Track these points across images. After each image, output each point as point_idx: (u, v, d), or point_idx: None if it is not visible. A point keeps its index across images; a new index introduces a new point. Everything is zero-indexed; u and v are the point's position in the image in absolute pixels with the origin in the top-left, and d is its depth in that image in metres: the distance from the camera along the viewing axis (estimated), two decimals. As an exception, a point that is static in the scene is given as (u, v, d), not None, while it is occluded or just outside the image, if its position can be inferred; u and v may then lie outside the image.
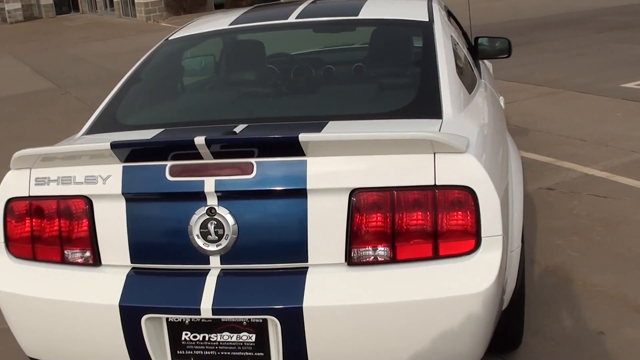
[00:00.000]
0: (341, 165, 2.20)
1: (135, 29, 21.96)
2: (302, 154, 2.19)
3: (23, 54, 17.41)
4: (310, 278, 2.21)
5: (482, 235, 2.20)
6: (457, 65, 2.99)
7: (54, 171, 2.42)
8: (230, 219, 2.25)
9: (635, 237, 4.16)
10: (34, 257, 2.47)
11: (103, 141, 2.32)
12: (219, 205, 2.26)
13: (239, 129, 2.54)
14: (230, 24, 3.50)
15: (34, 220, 2.44)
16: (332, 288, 2.19)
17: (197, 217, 2.27)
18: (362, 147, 2.18)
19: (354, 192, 2.20)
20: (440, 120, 2.54)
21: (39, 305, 2.42)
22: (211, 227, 2.26)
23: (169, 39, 3.58)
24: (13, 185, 2.46)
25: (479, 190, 2.19)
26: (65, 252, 2.43)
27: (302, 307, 2.16)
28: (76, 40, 19.82)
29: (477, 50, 4.43)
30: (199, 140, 2.17)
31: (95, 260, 2.40)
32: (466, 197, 2.18)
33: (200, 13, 24.92)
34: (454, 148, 2.17)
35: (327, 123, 2.54)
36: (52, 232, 2.43)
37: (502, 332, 2.80)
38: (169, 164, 2.28)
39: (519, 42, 11.81)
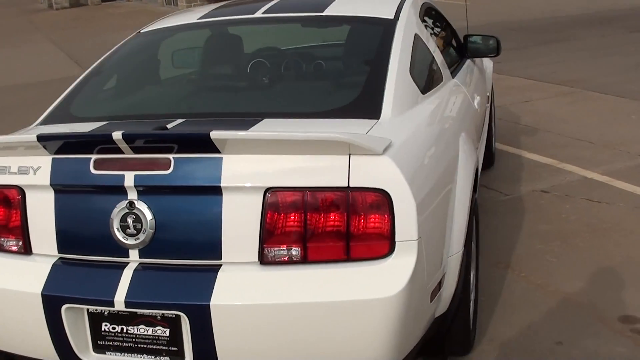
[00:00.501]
0: (256, 163, 2.19)
1: (176, 17, 22.13)
2: (217, 151, 2.18)
3: (63, 41, 17.73)
4: (222, 276, 2.20)
5: (397, 239, 2.17)
6: (415, 64, 2.94)
7: None
8: (148, 214, 2.26)
9: (621, 245, 4.05)
10: None
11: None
12: (138, 199, 2.27)
13: (174, 124, 2.54)
14: (199, 18, 3.51)
15: None
16: (242, 287, 2.18)
17: (118, 211, 2.29)
18: (277, 147, 2.16)
19: (268, 191, 2.18)
20: (376, 121, 2.50)
21: None
22: (130, 221, 2.27)
23: (141, 31, 3.61)
24: None
25: (394, 193, 2.15)
26: (1, 239, 2.47)
27: (209, 305, 2.16)
28: (117, 28, 20.07)
29: (467, 48, 4.35)
30: (117, 135, 2.19)
31: (27, 249, 2.44)
32: (381, 200, 2.15)
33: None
34: (369, 150, 2.14)
35: (261, 120, 2.53)
36: None
37: (444, 337, 2.77)
38: (93, 157, 2.31)
39: (550, 40, 11.64)
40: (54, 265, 2.38)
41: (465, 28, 4.71)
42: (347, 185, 2.15)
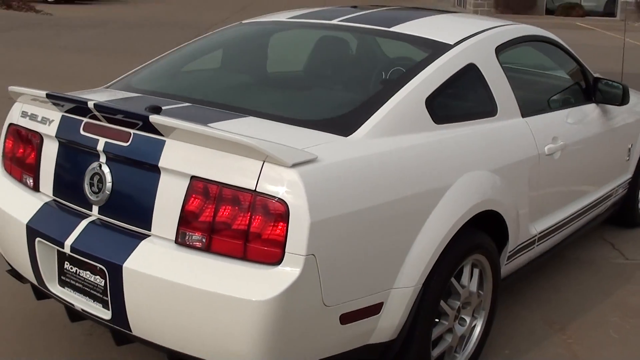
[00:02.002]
0: (189, 152, 2.37)
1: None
2: (160, 134, 2.41)
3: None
4: (143, 244, 2.44)
5: (286, 250, 2.23)
6: (442, 93, 2.88)
7: (31, 108, 2.92)
8: (108, 177, 2.56)
9: None
10: (10, 173, 3.02)
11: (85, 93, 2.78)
12: (105, 163, 2.58)
13: (173, 106, 2.81)
14: (288, 18, 3.72)
15: (12, 143, 2.99)
16: (152, 258, 2.40)
17: (90, 169, 2.62)
18: (208, 141, 2.32)
19: (192, 179, 2.36)
20: (339, 138, 2.54)
21: None
22: (95, 180, 2.59)
23: (242, 22, 3.91)
24: (14, 114, 3.01)
25: (292, 206, 2.21)
26: (23, 175, 2.94)
27: (122, 266, 2.42)
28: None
29: (596, 91, 4.03)
30: (90, 103, 2.51)
31: (36, 187, 2.87)
32: (280, 210, 2.22)
33: (528, 16, 24.36)
34: (279, 160, 2.22)
35: (245, 117, 2.70)
36: (19, 155, 2.96)
37: None
38: (84, 120, 2.66)
39: None
40: (45, 203, 2.79)
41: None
42: (254, 188, 2.25)
